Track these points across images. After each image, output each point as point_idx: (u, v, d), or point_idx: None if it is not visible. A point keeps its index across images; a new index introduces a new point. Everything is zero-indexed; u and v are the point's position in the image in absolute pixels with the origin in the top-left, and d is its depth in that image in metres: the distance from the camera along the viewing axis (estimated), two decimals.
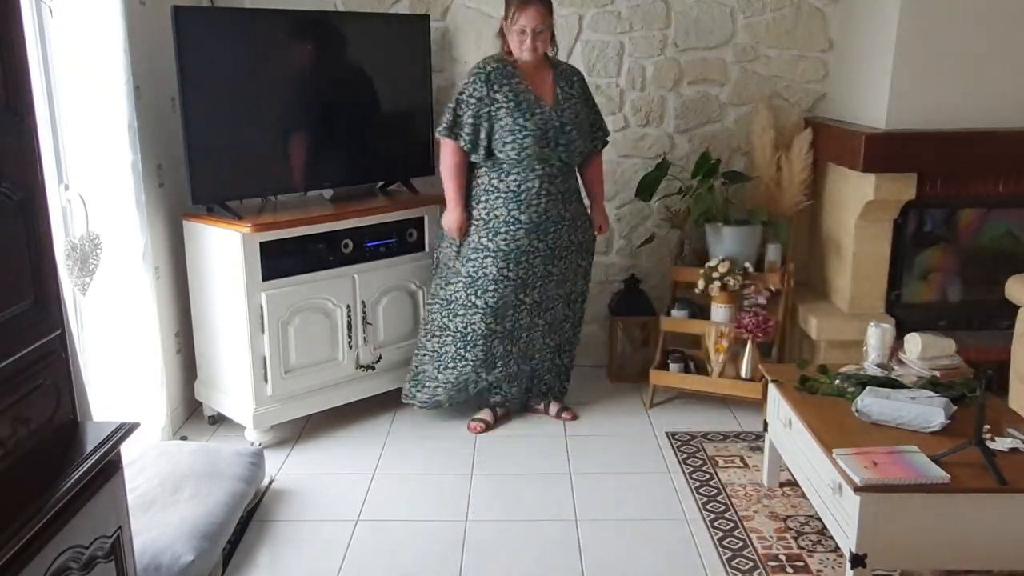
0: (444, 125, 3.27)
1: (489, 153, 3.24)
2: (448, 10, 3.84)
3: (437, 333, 3.42)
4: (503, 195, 3.25)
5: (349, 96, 3.55)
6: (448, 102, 3.32)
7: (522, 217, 3.24)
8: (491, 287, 3.29)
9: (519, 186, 3.23)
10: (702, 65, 3.91)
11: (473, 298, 3.32)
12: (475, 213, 3.31)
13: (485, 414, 3.52)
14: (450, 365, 3.41)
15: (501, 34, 3.25)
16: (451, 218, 3.33)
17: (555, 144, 3.22)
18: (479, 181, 3.30)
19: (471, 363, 3.39)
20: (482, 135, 3.22)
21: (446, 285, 3.39)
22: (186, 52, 3.01)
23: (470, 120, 3.21)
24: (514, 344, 3.43)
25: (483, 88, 3.20)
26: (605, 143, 3.47)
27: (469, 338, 3.36)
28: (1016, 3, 3.31)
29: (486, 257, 3.28)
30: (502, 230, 3.25)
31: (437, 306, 3.42)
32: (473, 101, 3.21)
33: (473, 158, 3.28)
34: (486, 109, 3.20)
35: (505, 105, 3.19)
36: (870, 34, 3.53)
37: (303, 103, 3.45)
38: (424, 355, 3.47)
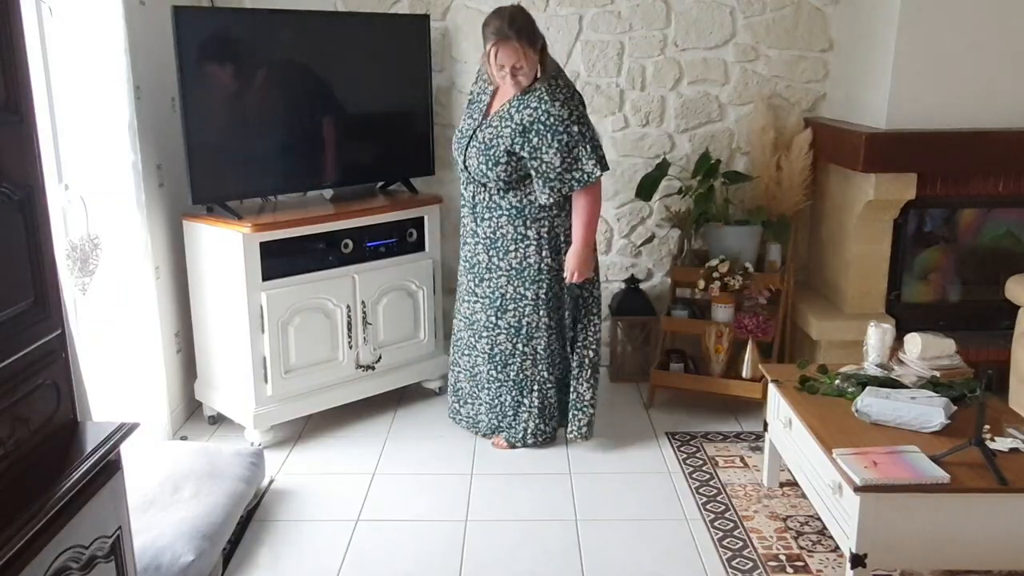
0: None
1: None
2: (448, 10, 3.84)
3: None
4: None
5: (349, 96, 3.56)
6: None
7: (465, 226, 3.28)
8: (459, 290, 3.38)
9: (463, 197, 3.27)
10: (702, 65, 3.91)
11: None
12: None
13: None
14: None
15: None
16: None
17: (463, 154, 3.11)
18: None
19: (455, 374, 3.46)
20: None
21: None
22: (186, 52, 3.01)
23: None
24: (459, 358, 3.40)
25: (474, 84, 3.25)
26: (573, 186, 2.98)
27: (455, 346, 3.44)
28: (1016, 3, 3.31)
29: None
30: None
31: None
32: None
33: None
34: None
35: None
36: (870, 34, 3.53)
37: (303, 103, 3.45)
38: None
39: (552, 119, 2.92)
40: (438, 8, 3.83)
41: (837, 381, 2.69)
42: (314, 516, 2.85)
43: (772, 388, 2.83)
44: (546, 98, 2.93)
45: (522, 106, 2.97)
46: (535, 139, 2.95)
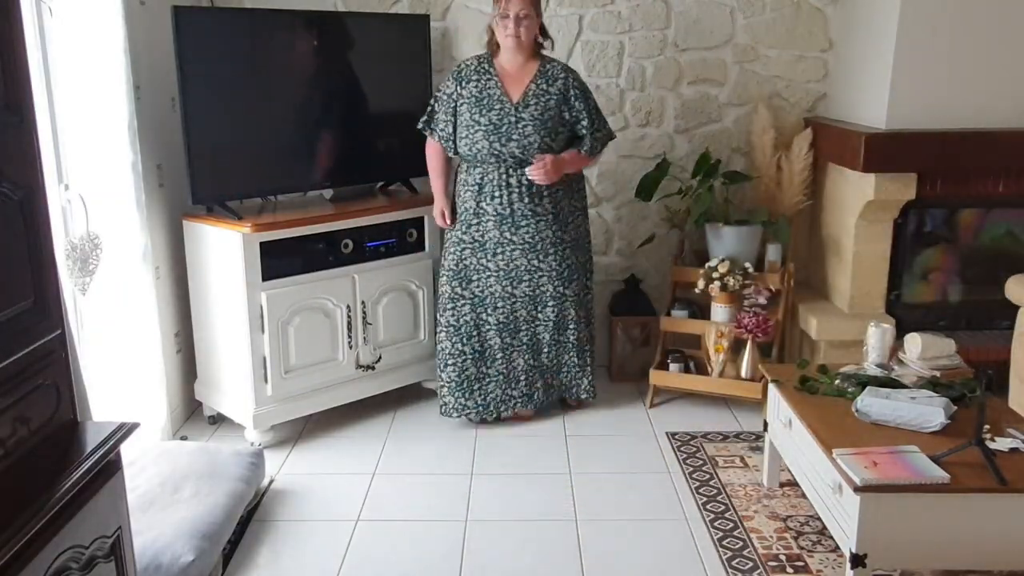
0: (422, 119, 3.42)
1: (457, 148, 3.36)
2: (448, 10, 3.84)
3: (438, 331, 3.48)
4: (471, 188, 3.36)
5: (349, 96, 3.56)
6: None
7: (488, 208, 3.33)
8: (473, 277, 3.38)
9: (481, 178, 3.33)
10: (702, 65, 3.91)
11: (460, 289, 3.40)
12: (456, 206, 3.41)
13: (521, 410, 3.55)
14: (449, 362, 3.44)
15: (489, 28, 3.33)
16: (436, 204, 3.48)
17: (507, 139, 3.24)
18: (458, 175, 3.42)
19: (469, 356, 3.44)
20: (450, 130, 3.33)
21: (439, 280, 3.49)
22: (186, 52, 3.01)
23: (442, 116, 3.36)
24: (514, 337, 3.44)
25: (453, 84, 3.33)
26: (603, 144, 3.39)
27: (463, 331, 3.42)
28: (1016, 3, 3.31)
29: (464, 248, 3.38)
30: (473, 222, 3.36)
31: (439, 303, 3.49)
32: (444, 97, 3.36)
33: (449, 153, 3.39)
34: (453, 105, 3.33)
35: (467, 101, 3.29)
36: (870, 34, 3.53)
37: (303, 103, 3.45)
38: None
39: (582, 86, 3.34)
40: (438, 8, 3.83)
41: (837, 381, 2.69)
42: (314, 516, 2.85)
43: (772, 388, 2.83)
44: (569, 69, 3.35)
45: (553, 80, 3.29)
46: (576, 104, 3.30)
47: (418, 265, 3.64)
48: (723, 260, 3.54)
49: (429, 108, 3.39)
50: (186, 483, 2.66)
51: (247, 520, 2.79)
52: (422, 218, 3.64)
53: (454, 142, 3.33)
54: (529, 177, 3.25)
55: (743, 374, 3.52)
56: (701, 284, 3.56)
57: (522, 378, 3.49)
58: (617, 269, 4.10)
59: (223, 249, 3.20)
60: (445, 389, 3.47)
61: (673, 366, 3.70)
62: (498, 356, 3.44)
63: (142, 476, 2.68)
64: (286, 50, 3.37)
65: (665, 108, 3.95)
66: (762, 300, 3.55)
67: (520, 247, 3.34)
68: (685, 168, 3.86)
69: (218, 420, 3.54)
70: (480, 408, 3.48)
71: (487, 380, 3.48)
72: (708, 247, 3.73)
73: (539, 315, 3.45)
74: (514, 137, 3.24)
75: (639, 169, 3.90)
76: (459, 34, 3.86)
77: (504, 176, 3.29)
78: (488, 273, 3.37)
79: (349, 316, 3.43)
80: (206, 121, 3.12)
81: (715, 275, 3.51)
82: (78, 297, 2.71)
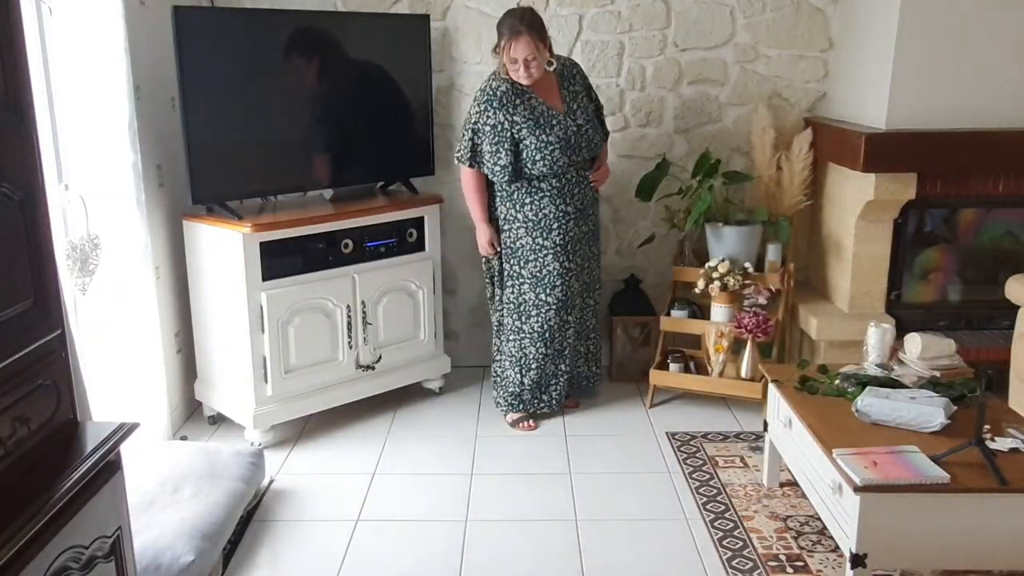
0: (462, 153, 3.36)
1: (518, 172, 3.31)
2: (448, 10, 3.84)
3: (513, 337, 3.50)
4: (547, 194, 3.34)
5: (349, 96, 3.56)
6: (464, 128, 3.37)
7: (569, 208, 3.38)
8: (558, 282, 3.39)
9: (560, 183, 3.34)
10: (702, 65, 3.91)
11: (544, 296, 3.41)
12: (520, 215, 3.38)
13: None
14: (533, 366, 3.48)
15: (500, 61, 3.24)
16: (481, 235, 3.46)
17: (578, 148, 3.33)
18: (519, 185, 3.35)
19: (550, 359, 3.50)
20: (508, 159, 3.28)
21: (509, 289, 3.48)
22: (186, 52, 3.01)
23: (490, 148, 3.30)
24: (579, 333, 3.58)
25: (499, 114, 3.26)
26: (607, 130, 3.58)
27: (547, 335, 3.45)
28: (1016, 3, 3.31)
29: (546, 255, 3.38)
30: (554, 226, 3.36)
31: (507, 309, 3.51)
32: (488, 129, 3.28)
33: (505, 181, 3.35)
34: (507, 134, 3.26)
35: (526, 126, 3.26)
36: (870, 34, 3.53)
37: (303, 103, 3.45)
38: (504, 359, 3.56)
39: (584, 72, 3.48)
40: (438, 8, 3.83)
41: (837, 381, 2.69)
42: (314, 516, 2.85)
43: (772, 388, 2.83)
44: (572, 61, 3.49)
45: (575, 79, 3.40)
46: (592, 93, 3.50)
47: (418, 265, 3.64)
48: (723, 260, 3.54)
49: (468, 142, 3.32)
50: (186, 483, 2.66)
51: (247, 520, 2.79)
52: (422, 218, 3.64)
53: (515, 168, 3.29)
54: (596, 187, 3.50)
55: (743, 374, 3.52)
56: (701, 284, 3.56)
57: (582, 368, 3.68)
58: (617, 269, 4.10)
59: (223, 249, 3.20)
60: (524, 393, 3.52)
61: (673, 366, 3.70)
62: (566, 354, 3.53)
63: (142, 476, 2.68)
64: (286, 50, 3.36)
65: (665, 108, 3.95)
66: (762, 300, 3.55)
67: (586, 235, 3.46)
68: (685, 168, 3.86)
69: (218, 420, 3.54)
70: (553, 403, 3.57)
71: (560, 376, 3.55)
72: (708, 247, 3.73)
73: (588, 300, 3.59)
74: (583, 144, 3.34)
75: (639, 169, 3.89)
76: (459, 34, 3.86)
77: (581, 174, 3.39)
78: (571, 275, 3.42)
79: (349, 316, 3.43)
80: (206, 121, 3.12)
81: (715, 275, 3.51)
82: (78, 297, 2.71)
